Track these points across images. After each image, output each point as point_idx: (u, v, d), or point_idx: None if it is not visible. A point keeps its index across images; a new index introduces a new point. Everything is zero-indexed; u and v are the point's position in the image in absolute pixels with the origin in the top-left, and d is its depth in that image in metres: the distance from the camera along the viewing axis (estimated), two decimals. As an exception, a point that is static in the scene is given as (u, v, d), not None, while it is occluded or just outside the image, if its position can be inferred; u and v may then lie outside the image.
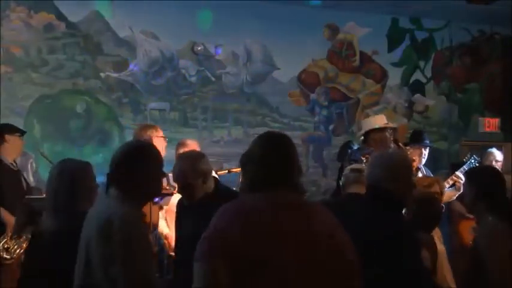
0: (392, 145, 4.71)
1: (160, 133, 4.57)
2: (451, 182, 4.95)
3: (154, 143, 4.30)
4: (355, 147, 5.46)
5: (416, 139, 5.32)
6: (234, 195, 3.20)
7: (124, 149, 2.41)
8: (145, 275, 2.17)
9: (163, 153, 4.44)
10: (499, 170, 4.28)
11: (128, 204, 2.26)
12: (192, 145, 4.68)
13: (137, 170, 2.31)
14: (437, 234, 3.66)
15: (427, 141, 5.36)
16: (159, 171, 2.40)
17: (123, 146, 2.45)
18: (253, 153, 2.01)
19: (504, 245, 2.56)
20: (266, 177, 1.95)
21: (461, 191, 4.50)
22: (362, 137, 4.81)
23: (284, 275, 1.81)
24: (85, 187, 2.79)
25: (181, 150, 4.52)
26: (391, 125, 4.91)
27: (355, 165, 3.53)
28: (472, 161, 5.24)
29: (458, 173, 4.96)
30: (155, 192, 2.48)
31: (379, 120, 4.87)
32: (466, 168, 5.00)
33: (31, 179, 5.56)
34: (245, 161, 2.02)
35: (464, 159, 5.39)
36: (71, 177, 2.79)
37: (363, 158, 4.43)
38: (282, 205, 1.92)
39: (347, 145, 5.50)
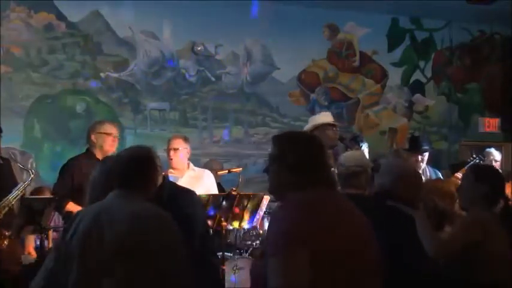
0: (337, 143, 4.69)
1: (105, 129, 4.35)
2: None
3: (95, 140, 4.30)
4: (364, 140, 5.44)
5: (413, 146, 5.27)
6: (180, 190, 3.14)
7: (135, 155, 2.50)
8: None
9: (106, 150, 4.33)
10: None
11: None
12: (180, 140, 4.65)
13: (150, 175, 2.45)
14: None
15: (426, 147, 5.32)
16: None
17: (132, 153, 2.51)
18: (292, 153, 2.01)
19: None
20: (310, 176, 1.97)
21: None
22: None
23: (353, 265, 1.84)
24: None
25: (170, 145, 4.54)
26: (335, 122, 4.88)
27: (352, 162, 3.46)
28: (477, 161, 5.19)
29: (459, 174, 4.88)
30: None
31: (323, 117, 4.83)
32: None
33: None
34: (278, 162, 2.01)
35: (469, 160, 5.35)
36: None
37: None
38: (337, 199, 2.00)
39: (356, 137, 5.50)
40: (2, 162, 4.39)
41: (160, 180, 3.11)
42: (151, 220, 2.27)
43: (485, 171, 3.13)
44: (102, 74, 6.53)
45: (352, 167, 3.28)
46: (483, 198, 2.85)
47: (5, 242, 3.99)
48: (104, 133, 4.35)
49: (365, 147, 5.29)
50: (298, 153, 1.99)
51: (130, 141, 6.21)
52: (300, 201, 1.92)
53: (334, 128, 4.72)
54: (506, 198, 3.09)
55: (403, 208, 2.66)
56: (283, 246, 1.79)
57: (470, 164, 5.09)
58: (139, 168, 2.43)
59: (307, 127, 4.70)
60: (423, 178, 4.96)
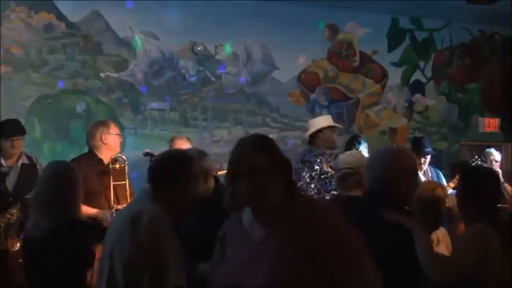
0: (337, 145, 4.73)
1: (114, 130, 4.47)
2: (452, 185, 4.89)
3: (106, 141, 4.33)
4: (363, 141, 5.44)
5: (416, 149, 5.19)
6: None
7: (165, 156, 2.56)
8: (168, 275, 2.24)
9: (116, 150, 4.43)
10: (497, 172, 4.23)
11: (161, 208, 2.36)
12: (180, 142, 4.66)
13: (176, 174, 2.43)
14: (443, 235, 3.66)
15: (428, 149, 5.30)
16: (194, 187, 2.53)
17: (167, 157, 2.57)
18: (281, 156, 2.07)
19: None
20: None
21: None
22: (308, 138, 4.76)
23: None
24: (71, 188, 2.89)
25: (173, 144, 4.54)
26: (338, 125, 4.97)
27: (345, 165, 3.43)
28: (479, 163, 5.19)
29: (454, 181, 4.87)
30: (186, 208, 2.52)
31: (325, 121, 4.86)
32: None
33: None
34: (276, 171, 1.97)
35: (470, 162, 5.34)
36: (58, 179, 2.90)
37: (317, 159, 4.42)
38: None
39: (355, 139, 5.49)
40: (27, 162, 4.43)
41: (211, 181, 3.16)
42: (133, 222, 2.26)
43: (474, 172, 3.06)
44: (102, 74, 6.53)
45: (342, 169, 3.29)
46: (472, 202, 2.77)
47: (18, 244, 4.01)
48: (115, 133, 4.39)
49: (363, 148, 5.30)
50: (282, 155, 1.98)
51: (130, 142, 6.23)
52: (326, 203, 2.01)
53: (335, 131, 4.76)
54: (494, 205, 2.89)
55: (400, 220, 2.43)
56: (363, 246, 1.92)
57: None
58: (166, 167, 2.44)
59: (310, 131, 4.71)
60: (424, 179, 4.99)
